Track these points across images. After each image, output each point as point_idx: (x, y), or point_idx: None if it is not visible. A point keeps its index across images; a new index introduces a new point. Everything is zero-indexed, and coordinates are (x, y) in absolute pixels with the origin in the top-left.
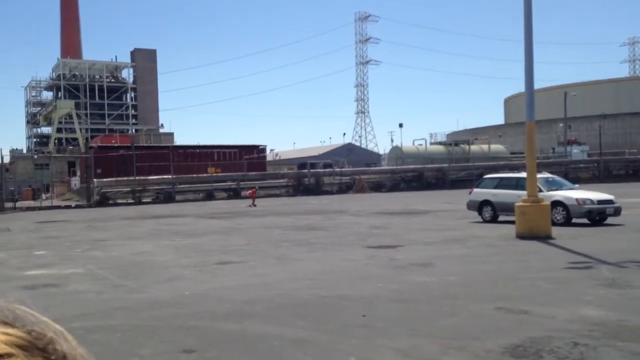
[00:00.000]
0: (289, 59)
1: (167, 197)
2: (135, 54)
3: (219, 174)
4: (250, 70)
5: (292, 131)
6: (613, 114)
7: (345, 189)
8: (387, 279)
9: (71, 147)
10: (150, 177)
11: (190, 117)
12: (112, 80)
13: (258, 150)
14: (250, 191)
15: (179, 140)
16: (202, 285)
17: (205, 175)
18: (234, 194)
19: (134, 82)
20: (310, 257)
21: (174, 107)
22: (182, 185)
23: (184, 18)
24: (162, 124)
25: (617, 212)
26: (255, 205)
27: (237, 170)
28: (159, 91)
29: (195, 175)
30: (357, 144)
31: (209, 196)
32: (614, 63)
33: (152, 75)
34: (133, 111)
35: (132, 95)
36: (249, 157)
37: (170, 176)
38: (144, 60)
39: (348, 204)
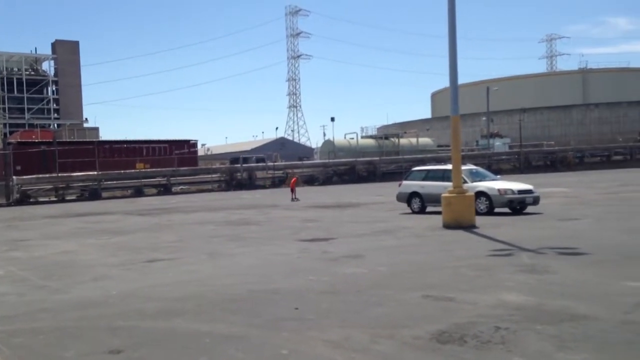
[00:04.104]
0: (219, 52)
1: (92, 194)
2: (56, 45)
3: (148, 170)
4: (179, 64)
5: (224, 126)
6: (532, 108)
7: (278, 183)
8: (319, 271)
9: None
10: (74, 174)
11: (117, 112)
12: (32, 73)
13: (189, 145)
14: (291, 181)
15: (105, 136)
16: (129, 284)
17: (133, 171)
18: (165, 189)
19: (55, 75)
20: (242, 252)
21: (99, 101)
22: (109, 182)
23: (108, 8)
24: (86, 119)
25: (536, 201)
26: (297, 199)
27: (168, 166)
28: (83, 84)
29: (122, 171)
30: (290, 138)
31: (138, 192)
32: (532, 59)
33: (75, 68)
34: (55, 105)
35: (54, 88)
36: (180, 152)
37: (95, 172)
38: (66, 52)
39: (281, 198)
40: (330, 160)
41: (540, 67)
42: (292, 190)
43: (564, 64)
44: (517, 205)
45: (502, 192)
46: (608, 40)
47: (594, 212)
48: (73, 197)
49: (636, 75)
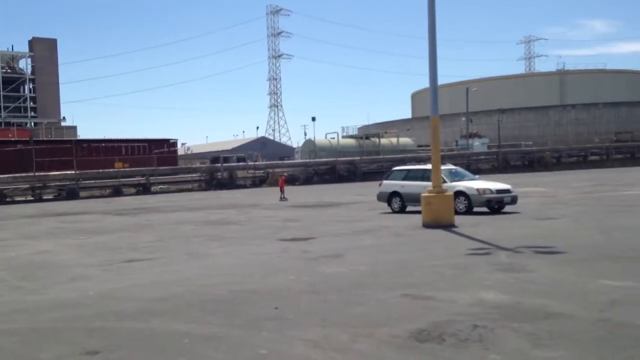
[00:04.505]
0: (199, 51)
1: (70, 194)
2: (33, 43)
3: (127, 169)
4: (159, 62)
5: (205, 125)
6: (510, 109)
7: (259, 182)
8: (299, 271)
9: None
10: (52, 173)
11: (95, 111)
12: (8, 70)
13: (169, 144)
14: (280, 180)
15: (83, 135)
16: (107, 285)
17: (112, 170)
18: (144, 189)
19: (32, 73)
20: (222, 252)
21: (77, 100)
22: (87, 181)
23: (87, 6)
24: (64, 117)
25: (513, 200)
26: (286, 199)
27: (147, 165)
28: (60, 83)
29: (101, 171)
30: (271, 137)
31: (117, 192)
32: (511, 60)
33: (53, 66)
34: (32, 104)
35: (31, 86)
36: (159, 151)
37: (73, 172)
38: (44, 49)
39: (262, 197)
40: (311, 160)
41: (519, 69)
42: (281, 190)
43: (542, 66)
44: (496, 205)
45: (480, 192)
46: (585, 43)
47: (570, 211)
48: (50, 197)
49: (612, 77)
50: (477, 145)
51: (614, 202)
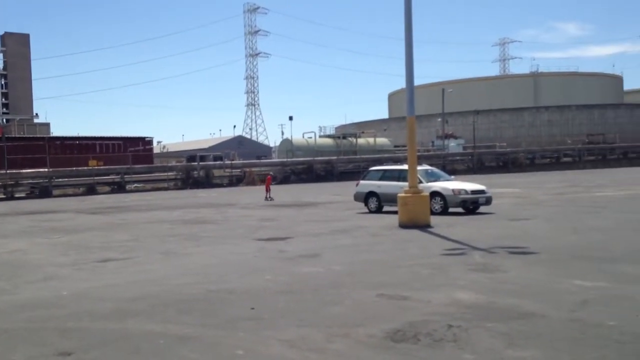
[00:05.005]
0: (175, 49)
1: (43, 192)
2: (5, 38)
3: (102, 167)
4: (134, 59)
5: (181, 123)
6: (485, 110)
7: (235, 181)
8: (276, 271)
9: None
10: (24, 171)
11: (69, 107)
12: None
13: (144, 142)
14: (267, 179)
15: (56, 132)
16: (81, 284)
17: (86, 168)
18: (119, 187)
19: (4, 69)
20: (198, 251)
21: (50, 96)
22: (60, 179)
23: (60, 0)
24: (36, 114)
25: (488, 201)
26: (272, 198)
27: (122, 163)
28: (33, 78)
29: (74, 169)
30: (248, 136)
31: (91, 190)
32: (486, 62)
33: (25, 61)
34: (3, 99)
35: (2, 82)
36: (135, 149)
37: (46, 169)
38: (16, 44)
39: (238, 196)
40: (288, 159)
41: (494, 70)
42: (267, 189)
43: (516, 68)
44: (471, 205)
45: (456, 193)
46: (558, 45)
47: (543, 212)
48: (23, 195)
49: (584, 79)
50: (453, 146)
51: (587, 203)
